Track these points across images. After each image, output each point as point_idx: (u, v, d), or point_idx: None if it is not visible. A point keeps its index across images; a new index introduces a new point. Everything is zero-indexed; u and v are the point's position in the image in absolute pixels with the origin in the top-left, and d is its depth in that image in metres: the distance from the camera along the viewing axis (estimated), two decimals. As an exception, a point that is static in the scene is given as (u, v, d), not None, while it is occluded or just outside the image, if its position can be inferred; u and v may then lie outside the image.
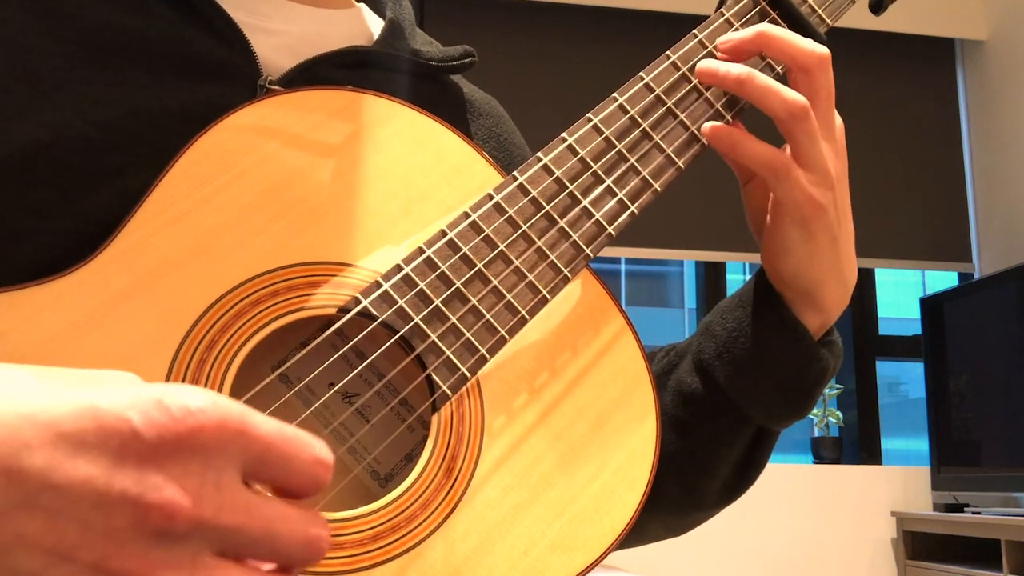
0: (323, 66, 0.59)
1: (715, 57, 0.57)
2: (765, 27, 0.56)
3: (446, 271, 0.49)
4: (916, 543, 2.61)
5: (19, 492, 0.28)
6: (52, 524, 0.29)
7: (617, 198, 0.54)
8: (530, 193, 0.52)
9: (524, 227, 0.52)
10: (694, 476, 0.63)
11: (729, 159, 0.58)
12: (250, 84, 0.56)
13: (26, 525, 0.28)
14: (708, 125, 0.55)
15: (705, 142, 0.56)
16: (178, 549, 0.30)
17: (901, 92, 3.08)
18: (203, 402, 0.31)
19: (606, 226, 0.53)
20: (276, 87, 0.56)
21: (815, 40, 0.59)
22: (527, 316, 0.50)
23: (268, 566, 0.32)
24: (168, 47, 0.55)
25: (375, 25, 0.69)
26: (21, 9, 0.53)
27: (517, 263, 0.51)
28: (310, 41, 0.61)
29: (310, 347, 0.48)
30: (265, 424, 0.33)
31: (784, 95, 0.54)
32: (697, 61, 0.57)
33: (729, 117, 0.57)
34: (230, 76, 0.56)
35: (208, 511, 0.30)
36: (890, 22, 2.91)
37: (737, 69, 0.55)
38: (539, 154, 0.54)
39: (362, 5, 0.71)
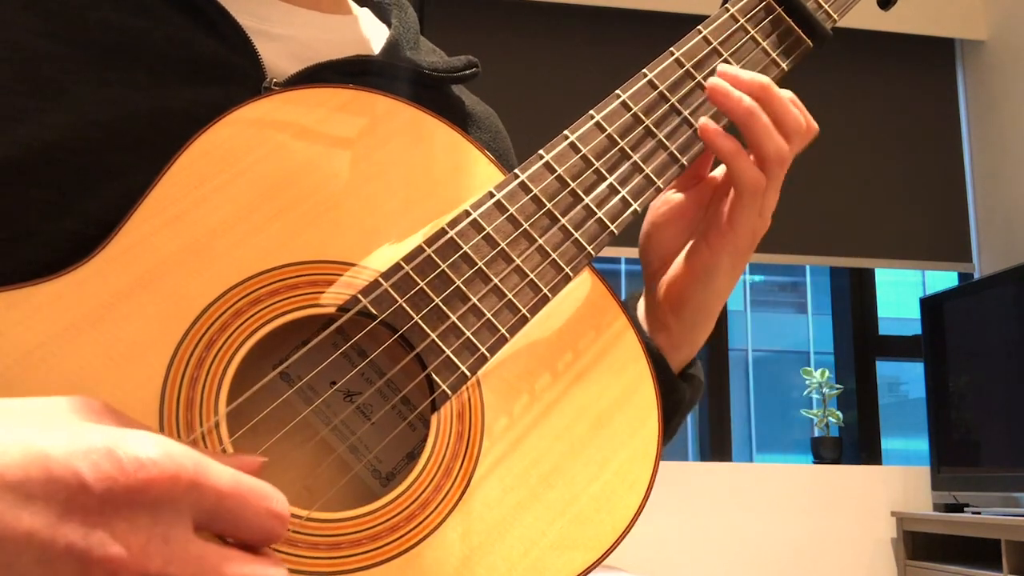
0: (327, 73, 0.58)
1: (716, 58, 0.57)
2: (770, 83, 0.56)
3: (446, 270, 0.49)
4: (916, 543, 2.61)
5: None
6: None
7: (620, 196, 0.54)
8: (531, 191, 0.52)
9: (525, 225, 0.51)
10: None
11: (727, 164, 0.58)
12: (254, 86, 0.56)
13: None
14: (705, 121, 0.55)
15: None
16: None
17: (901, 92, 3.07)
18: (156, 453, 0.31)
19: (608, 224, 0.53)
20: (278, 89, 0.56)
21: (821, 36, 0.59)
22: (528, 315, 0.50)
23: None
24: (172, 49, 0.55)
25: (379, 32, 0.68)
26: (24, 10, 0.53)
27: (518, 261, 0.51)
28: (313, 47, 0.61)
29: (311, 345, 0.48)
30: (220, 475, 0.32)
31: (778, 142, 0.55)
32: (701, 58, 0.57)
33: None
34: (234, 78, 0.56)
35: (155, 565, 0.30)
36: (890, 22, 2.91)
37: (748, 101, 0.55)
38: (541, 151, 0.53)
39: (366, 11, 0.71)
